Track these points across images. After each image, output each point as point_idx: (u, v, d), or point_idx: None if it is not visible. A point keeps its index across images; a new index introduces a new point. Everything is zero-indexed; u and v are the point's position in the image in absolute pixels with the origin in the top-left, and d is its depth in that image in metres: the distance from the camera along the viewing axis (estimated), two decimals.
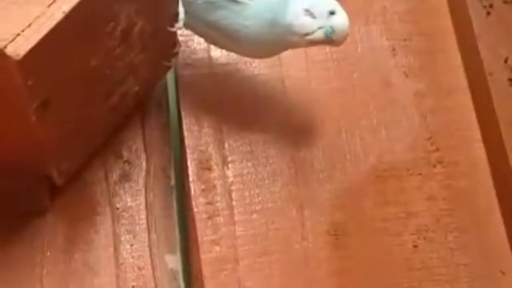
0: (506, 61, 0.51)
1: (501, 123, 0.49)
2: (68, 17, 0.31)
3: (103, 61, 0.37)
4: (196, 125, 0.48)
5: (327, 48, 0.51)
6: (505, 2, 0.53)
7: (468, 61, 0.52)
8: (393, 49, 0.53)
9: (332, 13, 0.42)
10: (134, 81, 0.42)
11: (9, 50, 0.30)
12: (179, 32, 0.44)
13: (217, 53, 0.50)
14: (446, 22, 0.54)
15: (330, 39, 0.42)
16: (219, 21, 0.43)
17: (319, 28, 0.42)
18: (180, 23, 0.42)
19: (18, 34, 0.30)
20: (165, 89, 0.49)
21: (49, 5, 0.31)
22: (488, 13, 0.52)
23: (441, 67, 0.53)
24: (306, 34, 0.42)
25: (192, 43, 0.49)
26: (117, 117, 0.44)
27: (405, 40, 0.53)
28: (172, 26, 0.42)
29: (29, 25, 0.30)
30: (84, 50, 0.35)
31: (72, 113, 0.37)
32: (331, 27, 0.42)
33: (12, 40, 0.30)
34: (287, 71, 0.51)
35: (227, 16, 0.43)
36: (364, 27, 0.53)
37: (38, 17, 0.31)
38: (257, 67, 0.50)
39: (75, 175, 0.44)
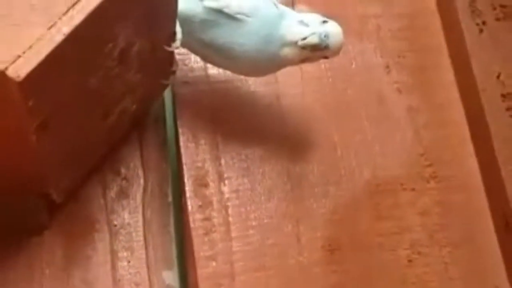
0: (498, 77, 0.52)
1: (494, 139, 0.50)
2: (68, 39, 0.31)
3: (102, 81, 0.37)
4: (193, 142, 0.48)
5: (322, 65, 0.52)
6: (497, 19, 0.54)
7: (461, 78, 0.53)
8: (387, 66, 0.54)
9: (324, 22, 0.43)
10: (132, 99, 0.43)
11: (10, 72, 0.30)
12: (176, 50, 0.44)
13: (214, 71, 0.50)
14: (439, 39, 0.55)
15: (325, 44, 0.43)
16: (215, 40, 0.44)
17: (313, 33, 0.43)
18: (177, 43, 0.43)
19: (19, 56, 0.31)
20: (163, 106, 0.50)
21: (50, 28, 0.31)
22: (481, 30, 0.53)
23: (434, 83, 0.54)
24: (300, 40, 0.43)
25: (190, 61, 0.50)
26: (115, 135, 0.44)
27: (398, 57, 0.54)
28: (170, 45, 0.43)
29: (30, 47, 0.31)
30: (83, 70, 0.35)
31: (71, 132, 0.37)
32: (325, 31, 0.43)
33: (13, 62, 0.30)
34: (283, 88, 0.51)
35: (223, 35, 0.44)
36: (359, 44, 0.54)
37: (39, 39, 0.31)
38: (253, 84, 0.51)
39: (73, 192, 0.44)
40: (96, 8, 0.32)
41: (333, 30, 0.43)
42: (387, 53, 0.54)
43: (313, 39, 0.42)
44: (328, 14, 0.52)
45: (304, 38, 0.42)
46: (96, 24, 0.33)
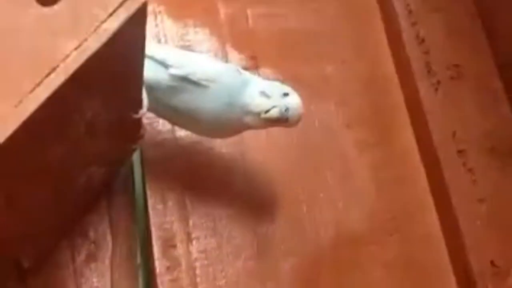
0: (454, 135, 0.54)
1: (452, 194, 0.52)
2: (34, 116, 0.33)
3: (69, 151, 0.38)
4: (161, 203, 0.49)
5: None
6: (452, 78, 0.57)
7: (419, 135, 0.56)
8: (348, 125, 0.56)
9: (286, 94, 0.45)
10: (100, 165, 0.44)
11: None
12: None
13: (181, 132, 0.52)
14: (398, 98, 0.57)
15: (285, 117, 0.45)
16: (180, 105, 0.46)
17: (274, 107, 0.45)
18: (144, 109, 0.45)
19: None
20: (131, 169, 0.51)
21: (16, 105, 0.33)
22: (436, 89, 0.56)
23: (394, 140, 0.56)
24: (262, 113, 0.45)
25: (157, 124, 0.52)
26: (83, 200, 0.46)
27: (360, 116, 0.56)
28: (137, 112, 0.44)
29: None
30: (49, 143, 0.36)
31: (38, 202, 0.38)
32: (285, 105, 0.45)
33: None
34: (248, 147, 0.53)
35: (188, 100, 0.46)
36: (321, 103, 0.56)
37: (4, 116, 0.32)
38: (220, 145, 0.52)
39: (42, 257, 0.45)
40: (61, 86, 0.33)
41: (293, 103, 0.45)
42: (348, 112, 0.56)
43: (274, 113, 0.44)
44: (291, 75, 0.55)
45: (266, 111, 0.44)
46: (62, 100, 0.34)
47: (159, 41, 0.55)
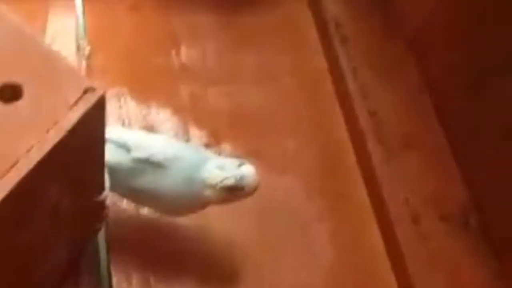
0: (407, 202, 0.56)
1: (407, 262, 0.54)
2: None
3: (33, 236, 0.40)
4: (125, 281, 0.51)
5: (248, 199, 0.56)
6: (407, 146, 0.60)
7: (374, 202, 0.58)
8: (308, 194, 0.58)
9: (240, 165, 0.48)
10: (65, 246, 0.46)
11: None
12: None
13: (145, 210, 0.54)
14: (353, 168, 0.60)
15: (241, 185, 0.47)
16: (142, 185, 0.48)
17: (229, 176, 0.47)
18: (106, 191, 0.47)
19: None
20: (96, 248, 0.52)
21: None
22: (388, 158, 0.59)
23: (351, 208, 0.58)
24: (218, 183, 0.47)
25: (121, 203, 0.53)
26: (50, 282, 0.47)
27: (319, 185, 0.59)
28: (100, 194, 0.46)
29: None
30: (13, 229, 0.38)
31: (2, 286, 0.40)
32: (240, 174, 0.47)
33: None
34: (212, 222, 0.55)
35: (149, 180, 0.48)
36: (280, 176, 0.59)
37: None
38: (183, 220, 0.54)
39: None
40: (23, 179, 0.35)
41: (248, 171, 0.47)
42: (308, 184, 0.59)
43: (229, 182, 0.47)
44: (251, 150, 0.58)
45: (222, 181, 0.47)
46: (25, 191, 0.36)
47: (122, 122, 0.58)
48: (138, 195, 0.49)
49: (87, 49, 0.61)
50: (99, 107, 0.39)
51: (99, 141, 0.42)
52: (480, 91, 0.56)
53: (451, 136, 0.60)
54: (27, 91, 0.38)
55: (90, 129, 0.40)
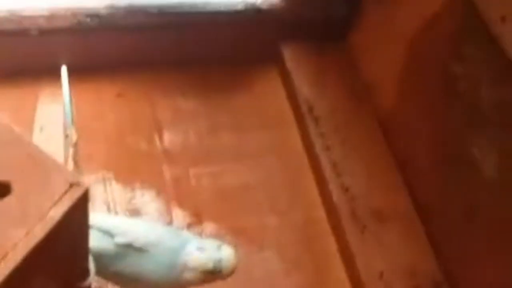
0: (381, 276, 0.59)
1: None
2: None
3: None
4: None
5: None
6: (379, 221, 0.63)
7: (350, 276, 0.61)
8: (287, 271, 0.61)
9: (220, 246, 0.50)
10: None
11: None
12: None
13: None
14: (330, 242, 0.63)
15: (219, 269, 0.50)
16: (124, 269, 0.50)
17: (208, 260, 0.49)
18: (91, 276, 0.49)
19: None
20: None
21: None
22: (362, 232, 0.62)
23: (329, 282, 0.61)
24: (198, 267, 0.49)
25: (106, 286, 0.55)
26: None
27: (297, 260, 0.61)
28: (85, 279, 0.48)
29: None
30: None
31: None
32: (219, 257, 0.49)
33: None
34: None
35: (132, 264, 0.50)
36: (260, 253, 0.61)
37: None
38: None
39: None
40: (10, 272, 0.38)
41: (226, 255, 0.50)
42: (286, 259, 0.61)
43: (208, 265, 0.49)
44: (232, 228, 0.61)
45: (201, 265, 0.49)
46: (12, 281, 0.38)
47: (108, 205, 0.60)
48: (121, 278, 0.51)
49: (74, 137, 0.64)
50: (83, 201, 0.42)
51: (84, 231, 0.45)
52: (449, 169, 0.59)
53: (421, 211, 0.63)
54: (15, 188, 0.41)
55: (75, 221, 0.42)
